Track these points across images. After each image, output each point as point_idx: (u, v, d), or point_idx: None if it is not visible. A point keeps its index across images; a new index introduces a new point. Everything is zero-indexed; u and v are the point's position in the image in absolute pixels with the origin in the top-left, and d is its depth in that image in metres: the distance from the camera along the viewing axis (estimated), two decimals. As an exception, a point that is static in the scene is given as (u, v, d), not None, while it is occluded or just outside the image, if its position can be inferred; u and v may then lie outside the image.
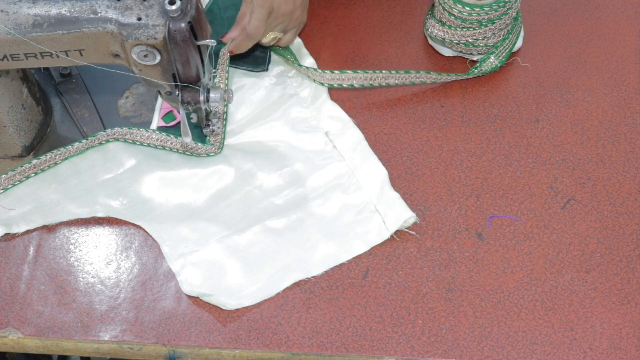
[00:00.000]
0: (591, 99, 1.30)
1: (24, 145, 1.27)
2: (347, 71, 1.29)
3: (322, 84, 1.29)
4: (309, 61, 1.34)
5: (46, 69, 1.36)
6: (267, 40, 1.29)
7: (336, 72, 1.29)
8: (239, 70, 1.34)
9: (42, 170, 1.26)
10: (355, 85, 1.29)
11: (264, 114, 1.30)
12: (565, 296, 1.13)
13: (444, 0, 1.27)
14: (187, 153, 1.27)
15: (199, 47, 1.11)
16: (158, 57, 1.10)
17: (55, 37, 1.10)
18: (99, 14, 1.09)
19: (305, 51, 1.35)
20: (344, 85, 1.29)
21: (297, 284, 1.16)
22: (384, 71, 1.29)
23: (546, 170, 1.24)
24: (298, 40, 1.36)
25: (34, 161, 1.25)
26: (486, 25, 1.27)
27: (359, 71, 1.29)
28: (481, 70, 1.31)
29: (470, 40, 1.29)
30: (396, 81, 1.30)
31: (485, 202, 1.21)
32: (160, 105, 1.31)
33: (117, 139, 1.27)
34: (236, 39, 1.28)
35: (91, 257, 1.20)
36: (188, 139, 1.20)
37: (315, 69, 1.30)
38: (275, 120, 1.30)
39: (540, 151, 1.25)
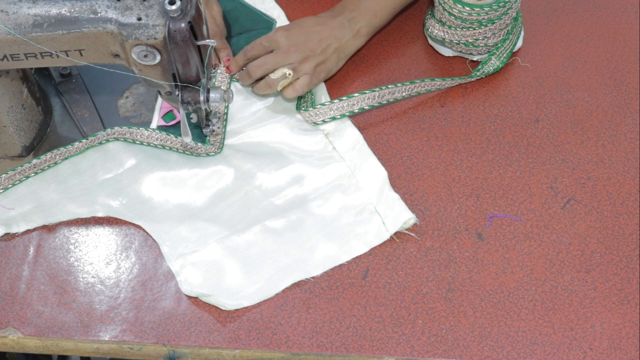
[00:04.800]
0: (591, 99, 1.30)
1: (24, 145, 1.27)
2: (355, 94, 1.28)
3: (334, 118, 1.28)
4: (320, 89, 1.32)
5: (46, 69, 1.36)
6: (276, 76, 1.27)
7: (344, 98, 1.28)
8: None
9: (42, 170, 1.26)
10: (365, 107, 1.28)
11: (265, 116, 1.30)
12: (565, 296, 1.13)
13: (444, 0, 1.27)
14: (187, 153, 1.27)
15: (199, 47, 1.11)
16: (158, 57, 1.10)
17: (55, 37, 1.10)
18: (99, 14, 1.09)
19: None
20: (355, 110, 1.28)
21: (297, 284, 1.16)
22: (390, 86, 1.29)
23: (546, 170, 1.24)
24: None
25: (34, 161, 1.25)
26: (486, 25, 1.27)
27: (366, 91, 1.28)
28: (483, 72, 1.31)
29: (470, 40, 1.29)
30: (403, 94, 1.29)
31: (485, 202, 1.21)
32: (160, 105, 1.31)
33: (117, 139, 1.27)
34: (237, 61, 1.31)
35: (91, 257, 1.20)
36: (188, 139, 1.20)
37: (323, 104, 1.28)
38: (276, 122, 1.30)
39: (540, 151, 1.25)
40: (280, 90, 1.28)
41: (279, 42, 1.27)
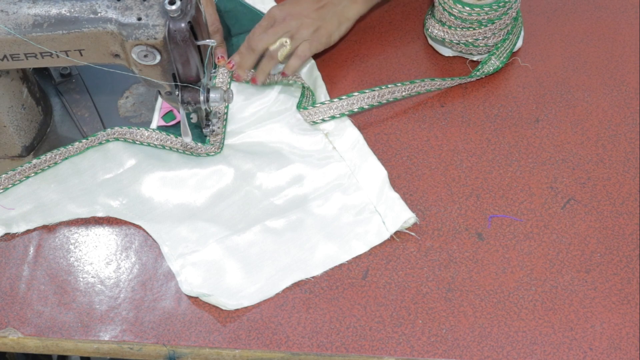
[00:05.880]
0: (591, 99, 1.30)
1: (24, 145, 1.27)
2: (354, 93, 1.28)
3: (333, 117, 1.28)
4: (319, 84, 1.33)
5: (46, 69, 1.36)
6: (275, 46, 1.28)
7: (344, 97, 1.28)
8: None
9: (42, 170, 1.26)
10: (365, 107, 1.28)
11: (265, 116, 1.30)
12: (565, 296, 1.13)
13: (444, 0, 1.27)
14: (187, 153, 1.27)
15: (199, 47, 1.11)
16: (158, 57, 1.10)
17: (55, 37, 1.10)
18: (99, 14, 1.09)
19: (317, 73, 1.34)
20: (354, 110, 1.28)
21: (297, 284, 1.16)
22: (389, 85, 1.29)
23: (546, 170, 1.24)
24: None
25: (34, 161, 1.25)
26: (486, 25, 1.27)
27: (366, 90, 1.28)
28: (483, 72, 1.31)
29: (470, 40, 1.29)
30: (403, 93, 1.29)
31: (485, 202, 1.21)
32: (160, 105, 1.32)
33: (117, 139, 1.27)
34: (240, 52, 1.32)
35: (91, 257, 1.20)
36: (188, 139, 1.20)
37: (322, 103, 1.28)
38: (276, 122, 1.30)
39: (540, 151, 1.25)
40: (284, 62, 1.30)
41: (275, 15, 1.30)
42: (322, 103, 1.28)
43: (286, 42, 1.28)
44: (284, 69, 1.30)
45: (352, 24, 1.34)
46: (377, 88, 1.28)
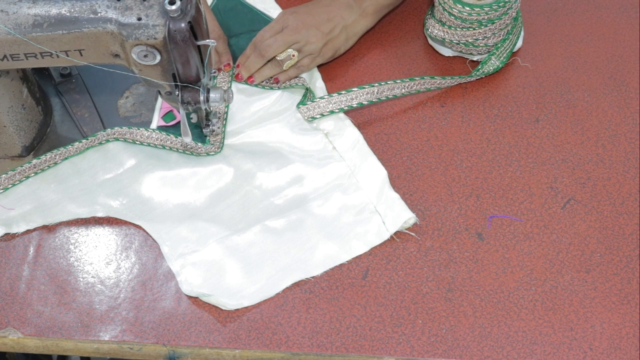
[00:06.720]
0: (591, 99, 1.30)
1: (24, 145, 1.27)
2: (354, 89, 1.28)
3: (332, 112, 1.28)
4: (319, 85, 1.33)
5: (46, 69, 1.36)
6: (282, 57, 1.29)
7: (343, 92, 1.28)
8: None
9: (42, 170, 1.26)
10: (364, 102, 1.28)
11: (265, 116, 1.31)
12: (565, 296, 1.13)
13: (444, 0, 1.27)
14: (187, 153, 1.27)
15: (199, 47, 1.11)
16: (158, 57, 1.10)
17: (55, 37, 1.10)
18: (99, 14, 1.09)
19: (317, 74, 1.34)
20: (353, 105, 1.28)
21: (297, 284, 1.16)
22: (389, 82, 1.29)
23: (546, 170, 1.24)
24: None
25: (34, 161, 1.25)
26: (486, 25, 1.27)
27: (365, 86, 1.28)
28: (483, 72, 1.31)
29: (470, 40, 1.29)
30: (402, 91, 1.29)
31: (485, 202, 1.21)
32: (160, 105, 1.32)
33: (117, 139, 1.27)
34: (247, 54, 1.32)
35: (91, 257, 1.20)
36: (188, 139, 1.20)
37: (321, 97, 1.29)
38: (276, 122, 1.30)
39: (540, 151, 1.25)
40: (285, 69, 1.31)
41: (288, 21, 1.30)
42: (322, 98, 1.28)
43: (294, 55, 1.29)
44: (278, 75, 1.31)
45: (358, 38, 1.35)
46: (377, 84, 1.29)
